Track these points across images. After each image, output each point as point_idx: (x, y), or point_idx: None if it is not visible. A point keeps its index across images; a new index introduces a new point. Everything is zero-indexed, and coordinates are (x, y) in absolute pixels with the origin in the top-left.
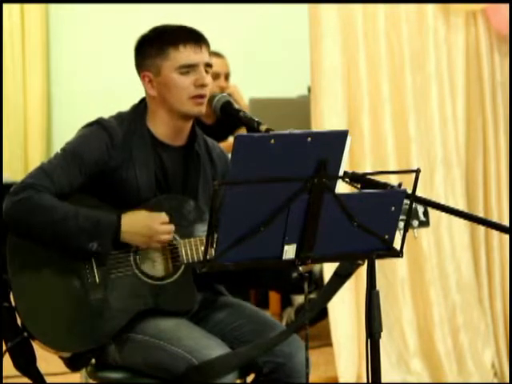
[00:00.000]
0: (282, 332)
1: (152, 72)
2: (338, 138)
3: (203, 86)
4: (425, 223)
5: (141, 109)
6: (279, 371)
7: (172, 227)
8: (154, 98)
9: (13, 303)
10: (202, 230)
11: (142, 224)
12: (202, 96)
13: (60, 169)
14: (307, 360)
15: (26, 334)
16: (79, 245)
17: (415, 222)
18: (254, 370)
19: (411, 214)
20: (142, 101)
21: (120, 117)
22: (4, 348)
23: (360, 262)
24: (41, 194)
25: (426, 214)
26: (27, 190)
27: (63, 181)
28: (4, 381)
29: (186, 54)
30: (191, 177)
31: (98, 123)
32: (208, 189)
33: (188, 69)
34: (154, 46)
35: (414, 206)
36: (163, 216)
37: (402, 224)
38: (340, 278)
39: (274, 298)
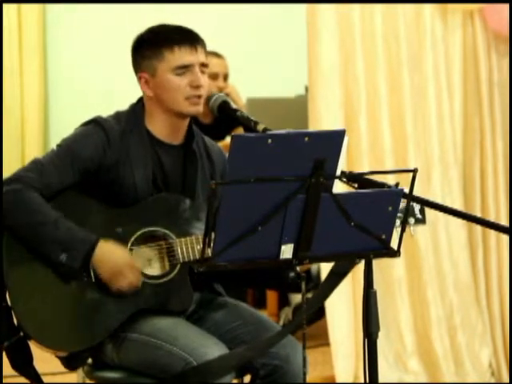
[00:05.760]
0: (279, 332)
1: (148, 73)
2: (335, 138)
3: (199, 86)
4: (421, 221)
5: (138, 108)
6: (276, 374)
7: (139, 282)
8: (150, 98)
9: (9, 303)
10: (197, 228)
11: (116, 260)
12: (198, 96)
13: (53, 165)
14: (305, 360)
15: (22, 333)
16: (49, 253)
17: (411, 220)
18: (251, 371)
19: (408, 213)
20: (140, 100)
21: (118, 116)
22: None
23: (357, 260)
24: (28, 191)
25: (422, 211)
26: (16, 183)
27: (54, 177)
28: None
29: (180, 56)
30: (189, 175)
31: (96, 122)
32: (207, 187)
33: (183, 70)
34: (150, 48)
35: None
36: (137, 266)
37: (398, 222)
38: (337, 276)
39: (271, 297)
